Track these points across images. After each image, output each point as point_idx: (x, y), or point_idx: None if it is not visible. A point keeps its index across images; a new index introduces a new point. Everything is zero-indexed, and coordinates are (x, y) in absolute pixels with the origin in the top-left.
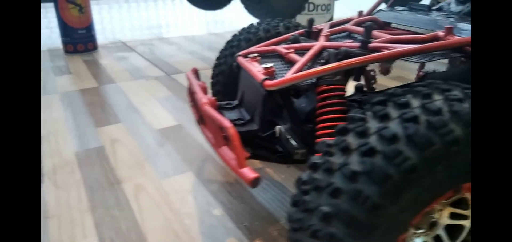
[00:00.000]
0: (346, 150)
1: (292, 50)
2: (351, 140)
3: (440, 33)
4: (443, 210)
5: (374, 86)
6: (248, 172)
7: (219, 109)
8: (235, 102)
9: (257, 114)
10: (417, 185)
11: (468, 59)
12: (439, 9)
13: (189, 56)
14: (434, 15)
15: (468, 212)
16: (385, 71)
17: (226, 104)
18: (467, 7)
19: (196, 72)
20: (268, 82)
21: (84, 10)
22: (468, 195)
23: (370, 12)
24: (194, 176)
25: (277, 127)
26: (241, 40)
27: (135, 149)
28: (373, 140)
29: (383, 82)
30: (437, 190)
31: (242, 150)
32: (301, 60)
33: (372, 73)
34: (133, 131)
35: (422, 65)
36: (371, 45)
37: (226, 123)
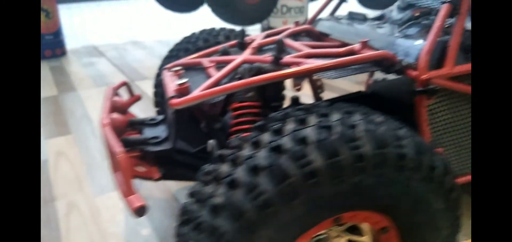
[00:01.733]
0: (217, 180)
1: (213, 64)
2: (224, 169)
3: (356, 47)
4: (339, 237)
5: (321, 95)
6: (133, 201)
7: (141, 125)
8: (160, 118)
9: (172, 132)
10: (274, 220)
11: (387, 73)
12: (381, 18)
13: (159, 62)
14: (366, 25)
15: (364, 239)
16: (298, 87)
17: (150, 119)
18: (406, 15)
19: (125, 85)
20: (174, 101)
21: (51, 15)
22: (360, 224)
23: (312, 20)
24: None
25: (210, 142)
26: (180, 50)
27: (78, 163)
28: (238, 171)
29: (348, 88)
30: (301, 224)
31: (129, 177)
32: (215, 76)
33: (318, 82)
34: (81, 143)
35: (371, 73)
36: (284, 60)
37: (116, 148)
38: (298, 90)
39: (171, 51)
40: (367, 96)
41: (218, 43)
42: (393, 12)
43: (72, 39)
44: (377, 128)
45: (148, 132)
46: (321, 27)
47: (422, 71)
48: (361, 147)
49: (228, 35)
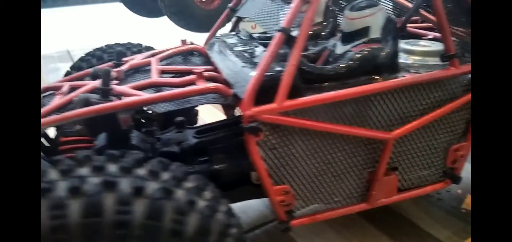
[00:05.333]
0: None
1: (66, 89)
2: None
3: (193, 77)
4: None
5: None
6: None
7: None
8: None
9: None
10: None
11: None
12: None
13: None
14: (240, 47)
15: None
16: (124, 121)
17: None
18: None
19: None
20: None
21: None
22: None
23: (209, 38)
24: None
25: None
26: (74, 68)
27: None
28: None
29: None
30: None
31: None
32: (48, 106)
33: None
34: None
35: None
36: (117, 90)
37: None
38: (127, 124)
39: (71, 67)
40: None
41: (111, 60)
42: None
43: (47, 44)
44: (103, 191)
45: None
46: (209, 47)
47: (246, 107)
48: (65, 216)
49: (125, 52)
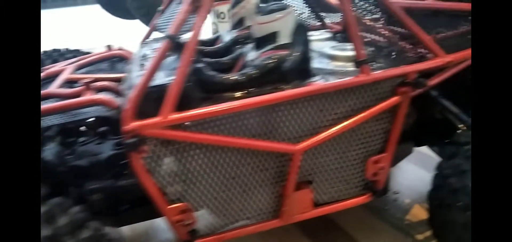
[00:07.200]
0: None
1: None
2: None
3: (80, 88)
4: None
5: None
6: None
7: None
8: None
9: None
10: None
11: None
12: (216, 39)
13: None
14: None
15: None
16: None
17: None
18: (233, 35)
19: None
20: None
21: None
22: None
23: (142, 41)
24: None
25: None
26: None
27: None
28: None
29: None
30: None
31: None
32: None
33: None
34: None
35: None
36: None
37: None
38: None
39: None
40: None
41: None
42: (228, 33)
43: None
44: None
45: None
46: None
47: (126, 121)
48: None
49: (57, 58)
